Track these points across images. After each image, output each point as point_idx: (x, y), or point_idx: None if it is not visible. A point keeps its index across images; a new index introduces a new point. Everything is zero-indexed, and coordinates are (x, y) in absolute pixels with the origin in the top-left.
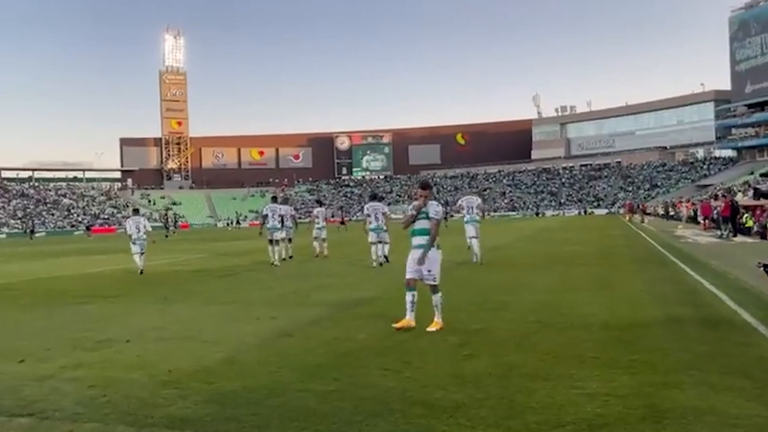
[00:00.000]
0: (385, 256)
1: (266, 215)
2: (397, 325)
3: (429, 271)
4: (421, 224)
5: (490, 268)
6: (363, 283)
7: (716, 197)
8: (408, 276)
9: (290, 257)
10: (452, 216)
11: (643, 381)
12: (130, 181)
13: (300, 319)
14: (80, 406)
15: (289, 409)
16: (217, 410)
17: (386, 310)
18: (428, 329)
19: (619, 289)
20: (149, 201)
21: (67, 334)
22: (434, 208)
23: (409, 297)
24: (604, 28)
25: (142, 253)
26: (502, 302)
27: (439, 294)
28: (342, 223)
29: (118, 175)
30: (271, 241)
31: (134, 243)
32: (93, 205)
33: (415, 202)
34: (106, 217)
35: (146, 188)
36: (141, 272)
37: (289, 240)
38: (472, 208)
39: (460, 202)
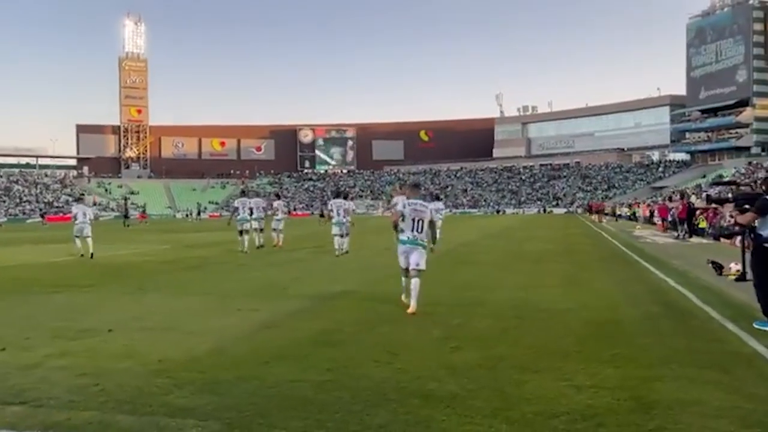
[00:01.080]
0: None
1: (237, 207)
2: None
3: (417, 263)
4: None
5: (459, 265)
6: (337, 276)
7: (670, 199)
8: (402, 266)
9: (261, 246)
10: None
11: (627, 374)
12: (86, 169)
13: (282, 311)
14: (74, 394)
15: (286, 399)
16: (215, 399)
17: (366, 302)
18: (410, 311)
19: (590, 286)
20: (106, 190)
21: (45, 323)
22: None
23: (404, 280)
24: (566, 31)
25: (87, 237)
26: (478, 298)
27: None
28: (322, 216)
29: (73, 162)
30: (241, 232)
31: (79, 228)
32: (47, 193)
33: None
34: (60, 205)
35: (103, 176)
36: (92, 256)
37: (261, 230)
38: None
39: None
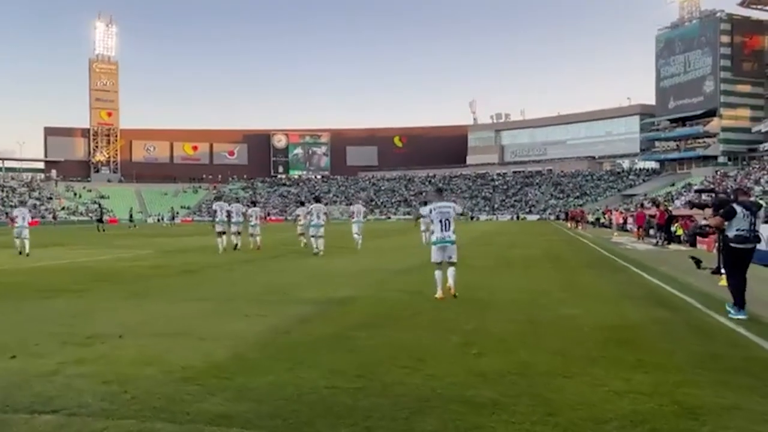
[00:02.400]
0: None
1: (215, 210)
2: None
3: (450, 256)
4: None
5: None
6: (333, 281)
7: (642, 206)
8: (437, 260)
9: (237, 247)
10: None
11: (659, 380)
12: (54, 173)
13: (291, 316)
14: (105, 402)
15: (328, 406)
16: (254, 407)
17: (372, 308)
18: (453, 294)
19: (589, 291)
20: (75, 194)
21: (48, 329)
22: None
23: (438, 274)
24: (539, 40)
25: (25, 239)
26: (483, 302)
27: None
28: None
29: (41, 165)
30: (219, 233)
31: (18, 231)
32: (14, 197)
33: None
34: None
35: (72, 180)
36: (27, 255)
37: (238, 233)
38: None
39: None
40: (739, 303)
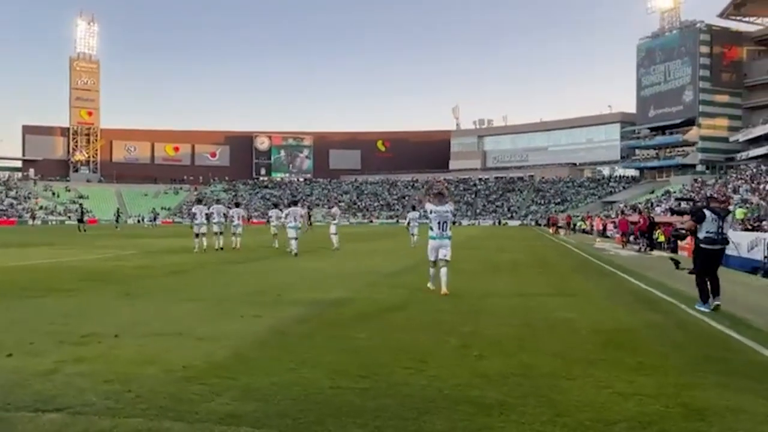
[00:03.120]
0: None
1: (195, 213)
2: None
3: (444, 254)
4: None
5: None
6: (325, 282)
7: (623, 213)
8: (431, 258)
9: (221, 249)
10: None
11: (661, 382)
12: (32, 172)
13: (286, 317)
14: (110, 401)
15: (335, 406)
16: (261, 406)
17: (367, 309)
18: (443, 292)
19: (580, 295)
20: (53, 193)
21: (43, 328)
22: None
23: (432, 271)
24: (522, 47)
25: None
26: (477, 306)
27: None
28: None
29: (18, 164)
30: (197, 235)
31: None
32: None
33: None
34: (4, 208)
35: (50, 180)
36: None
37: (221, 233)
38: None
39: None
40: (703, 298)
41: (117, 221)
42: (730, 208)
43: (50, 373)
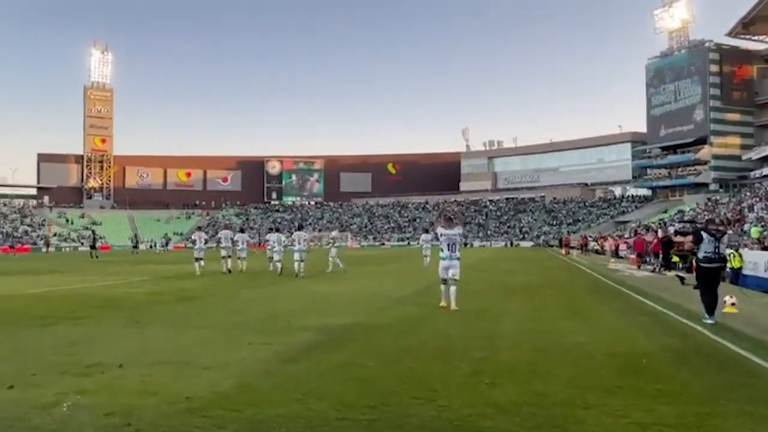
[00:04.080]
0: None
1: (195, 239)
2: (443, 304)
3: (453, 274)
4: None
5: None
6: (333, 308)
7: (636, 233)
8: (442, 276)
9: (229, 271)
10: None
11: (682, 411)
12: (47, 199)
13: (295, 344)
14: None
15: None
16: None
17: (377, 334)
18: (452, 309)
19: (595, 318)
20: (67, 220)
21: (47, 358)
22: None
23: (443, 288)
24: (532, 68)
25: None
26: (489, 330)
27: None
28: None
29: (33, 192)
30: (196, 259)
31: None
32: (5, 223)
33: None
34: (19, 235)
35: (64, 206)
36: None
37: (228, 257)
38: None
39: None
40: (709, 312)
41: (135, 247)
42: (729, 231)
43: (51, 406)
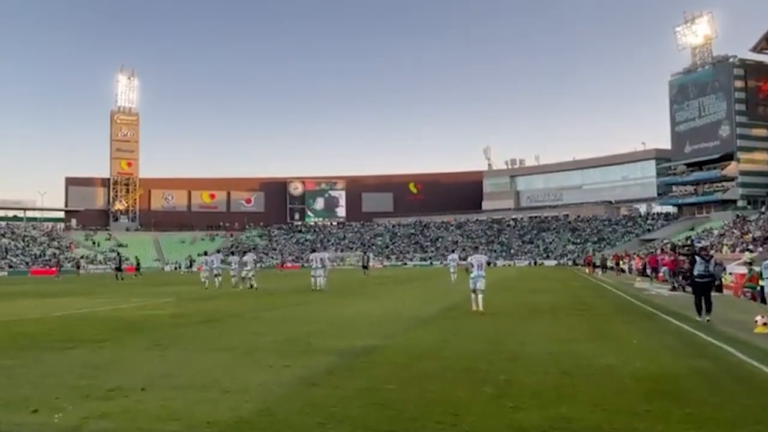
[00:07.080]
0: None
1: (230, 262)
2: (474, 309)
3: (480, 286)
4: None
5: (478, 317)
6: (356, 329)
7: (663, 251)
8: (471, 288)
9: (252, 287)
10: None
11: None
12: (74, 222)
13: (315, 367)
14: None
15: None
16: None
17: (399, 357)
18: (480, 311)
19: (622, 339)
20: (94, 242)
21: (69, 382)
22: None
23: (473, 296)
24: (554, 86)
25: None
26: (514, 352)
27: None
28: (365, 267)
29: (61, 215)
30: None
31: None
32: (34, 246)
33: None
34: (47, 258)
35: (91, 229)
36: None
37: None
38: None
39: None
40: (697, 312)
41: (190, 266)
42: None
43: (74, 431)
